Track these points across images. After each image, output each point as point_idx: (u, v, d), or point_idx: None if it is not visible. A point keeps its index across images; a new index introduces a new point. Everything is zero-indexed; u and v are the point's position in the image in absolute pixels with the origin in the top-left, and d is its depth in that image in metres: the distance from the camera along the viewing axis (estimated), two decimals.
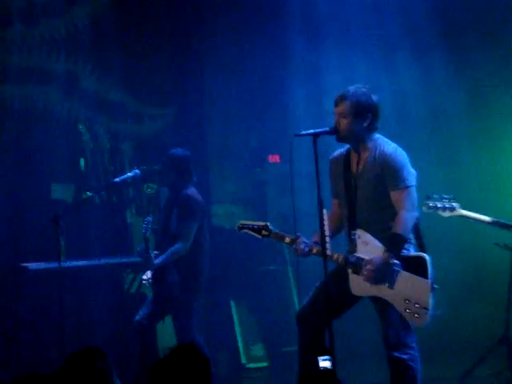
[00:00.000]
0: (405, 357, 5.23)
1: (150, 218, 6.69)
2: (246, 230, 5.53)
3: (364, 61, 8.47)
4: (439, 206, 6.33)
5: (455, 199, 6.41)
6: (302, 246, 5.31)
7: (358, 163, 5.37)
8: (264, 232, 5.48)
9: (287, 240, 5.41)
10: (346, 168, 5.43)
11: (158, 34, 8.60)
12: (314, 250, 5.28)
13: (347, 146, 5.48)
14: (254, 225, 5.52)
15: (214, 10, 8.67)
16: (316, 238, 5.29)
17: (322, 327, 5.22)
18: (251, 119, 8.89)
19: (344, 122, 5.29)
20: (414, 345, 5.27)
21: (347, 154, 5.46)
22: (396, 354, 5.24)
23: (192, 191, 6.83)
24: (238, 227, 5.55)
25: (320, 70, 8.62)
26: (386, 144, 5.34)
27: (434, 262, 5.20)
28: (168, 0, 8.62)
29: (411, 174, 5.29)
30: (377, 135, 5.37)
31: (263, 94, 8.82)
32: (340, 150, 5.53)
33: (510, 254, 6.79)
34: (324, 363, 4.60)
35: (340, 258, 5.27)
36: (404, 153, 5.33)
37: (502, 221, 6.48)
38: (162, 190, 7.80)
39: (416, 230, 5.33)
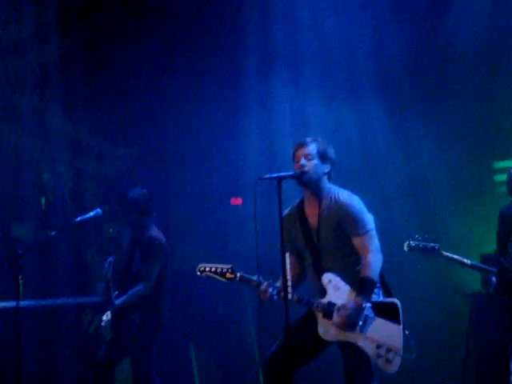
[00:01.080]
0: None
1: (111, 259, 6.65)
2: (208, 273, 5.46)
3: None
4: (421, 245, 6.42)
5: (435, 240, 6.52)
6: (270, 290, 5.29)
7: (313, 213, 5.42)
8: (229, 275, 5.43)
9: (253, 283, 5.37)
10: (302, 220, 5.46)
11: (125, 74, 8.62)
12: (295, 298, 5.27)
13: (297, 201, 5.53)
14: (217, 268, 5.47)
15: (175, 53, 8.75)
16: (280, 282, 5.28)
17: (289, 374, 5.17)
18: (214, 160, 8.92)
19: (311, 164, 5.35)
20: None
21: (300, 208, 5.50)
22: None
23: (155, 231, 6.82)
24: (200, 270, 5.47)
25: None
26: (339, 192, 5.42)
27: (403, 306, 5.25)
28: (135, 44, 8.66)
29: (369, 218, 5.35)
30: (330, 184, 5.46)
31: (227, 136, 8.86)
32: (289, 207, 5.55)
33: (469, 302, 6.88)
34: None
35: (320, 306, 5.27)
36: (358, 198, 5.41)
37: (481, 265, 6.60)
38: (124, 231, 7.76)
39: (381, 275, 5.37)
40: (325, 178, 5.42)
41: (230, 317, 8.60)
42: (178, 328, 7.99)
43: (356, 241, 5.30)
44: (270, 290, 5.28)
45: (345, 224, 5.30)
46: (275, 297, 5.27)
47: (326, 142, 5.47)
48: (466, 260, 6.60)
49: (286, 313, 4.99)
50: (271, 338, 5.50)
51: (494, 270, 6.55)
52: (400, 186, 8.38)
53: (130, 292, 6.64)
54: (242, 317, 8.58)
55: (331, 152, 5.44)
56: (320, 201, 5.40)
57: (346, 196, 5.38)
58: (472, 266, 6.56)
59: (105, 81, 8.59)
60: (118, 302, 6.58)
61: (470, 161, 8.23)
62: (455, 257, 6.62)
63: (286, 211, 5.52)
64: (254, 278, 5.39)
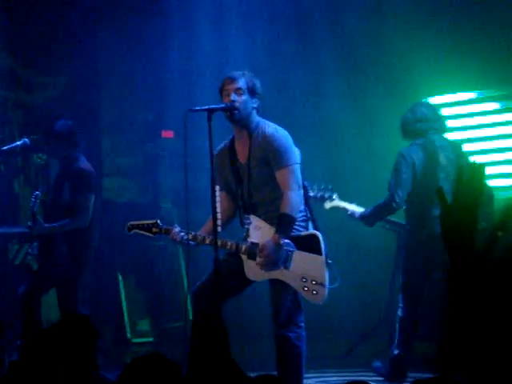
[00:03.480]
0: (292, 335, 5.31)
1: (38, 192, 6.57)
2: (136, 230, 5.52)
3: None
4: (318, 195, 6.39)
5: (332, 189, 6.47)
6: (181, 234, 5.34)
7: (241, 149, 5.41)
8: (154, 229, 5.49)
9: (173, 234, 5.41)
10: (232, 158, 5.45)
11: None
12: (207, 241, 5.29)
13: (228, 137, 5.50)
14: (143, 223, 5.50)
15: None
16: (207, 227, 5.31)
17: (216, 306, 5.22)
18: (146, 93, 8.81)
19: (240, 99, 5.30)
20: (302, 324, 5.35)
21: (231, 145, 5.48)
22: (284, 333, 5.31)
23: (84, 163, 6.73)
24: (128, 228, 5.55)
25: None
26: (266, 125, 5.37)
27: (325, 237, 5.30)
28: None
29: (294, 153, 5.33)
30: (257, 118, 5.42)
31: (159, 67, 8.75)
32: (221, 144, 5.52)
33: (396, 235, 6.92)
34: None
35: (233, 246, 5.31)
36: (286, 132, 5.38)
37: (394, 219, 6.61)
38: (52, 162, 7.64)
39: (309, 208, 5.40)
40: (254, 113, 5.37)
41: (161, 249, 8.60)
42: (107, 259, 7.97)
43: (278, 174, 5.28)
44: (181, 234, 5.34)
45: (270, 157, 5.29)
46: (186, 240, 5.31)
47: (253, 75, 5.40)
48: (361, 209, 6.52)
49: (216, 245, 5.05)
50: (200, 269, 5.56)
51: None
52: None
53: (65, 223, 6.55)
54: (173, 249, 8.59)
55: (259, 86, 5.38)
56: (249, 136, 5.37)
57: (272, 129, 5.35)
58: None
59: (28, 5, 8.35)
60: (47, 225, 6.50)
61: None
62: (350, 206, 6.50)
63: (217, 148, 5.48)
64: (177, 228, 5.41)
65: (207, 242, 5.28)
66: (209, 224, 5.23)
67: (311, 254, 5.27)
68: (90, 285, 7.33)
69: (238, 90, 5.31)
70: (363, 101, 8.20)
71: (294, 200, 5.26)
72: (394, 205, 6.27)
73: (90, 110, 8.53)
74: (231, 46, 8.52)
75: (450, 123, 8.13)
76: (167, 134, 8.83)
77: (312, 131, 8.25)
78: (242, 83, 5.31)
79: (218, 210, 5.06)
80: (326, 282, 5.25)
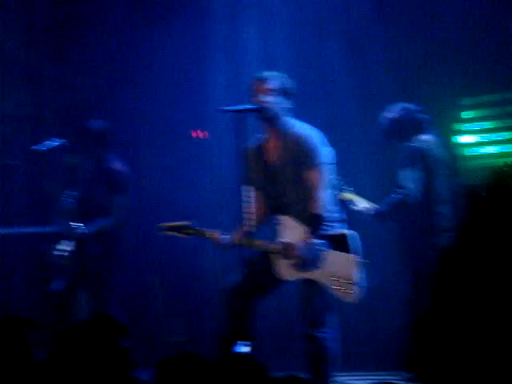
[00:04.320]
0: (319, 335, 5.30)
1: (71, 193, 6.64)
2: (168, 232, 5.53)
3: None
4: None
5: (347, 182, 6.40)
6: (223, 237, 5.38)
7: (272, 148, 5.40)
8: (189, 230, 5.51)
9: (207, 235, 5.47)
10: (263, 157, 5.45)
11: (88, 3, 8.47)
12: (236, 241, 5.32)
13: (258, 136, 5.50)
14: (176, 226, 5.52)
15: None
16: (238, 231, 5.35)
17: (249, 308, 5.32)
18: (179, 93, 8.83)
19: (271, 100, 5.30)
20: (331, 324, 5.34)
21: (260, 143, 5.48)
22: (310, 332, 5.31)
23: (119, 164, 6.79)
24: (160, 229, 5.57)
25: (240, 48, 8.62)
26: (297, 126, 5.39)
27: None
28: None
29: (324, 152, 5.33)
30: (290, 119, 5.42)
31: (193, 68, 8.77)
32: (252, 142, 5.51)
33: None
34: (244, 348, 4.68)
35: (265, 245, 5.32)
36: (315, 131, 5.39)
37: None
38: (86, 163, 7.68)
39: (340, 205, 5.41)
40: (285, 113, 5.38)
41: (195, 249, 8.62)
42: (142, 261, 8.01)
43: (307, 174, 5.30)
44: (223, 237, 5.39)
45: (299, 158, 5.29)
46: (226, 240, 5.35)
47: (286, 76, 5.42)
48: (367, 204, 6.48)
49: (248, 244, 5.08)
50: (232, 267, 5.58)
51: None
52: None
53: (100, 223, 6.61)
54: (204, 248, 8.60)
55: (291, 87, 5.39)
56: (280, 136, 5.37)
57: (303, 129, 5.36)
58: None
59: (68, 10, 8.43)
60: (85, 230, 6.55)
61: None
62: (360, 200, 6.47)
63: (247, 145, 5.49)
64: (211, 230, 5.46)
65: (243, 243, 5.29)
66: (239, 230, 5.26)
67: (342, 253, 5.28)
68: (125, 283, 7.38)
69: (268, 91, 5.31)
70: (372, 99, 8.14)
71: (323, 199, 5.26)
72: (413, 201, 6.22)
73: (122, 110, 8.56)
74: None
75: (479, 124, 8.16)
76: (199, 134, 8.83)
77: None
78: (272, 84, 5.32)
79: (251, 209, 5.07)
80: (357, 281, 5.23)
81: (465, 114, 8.28)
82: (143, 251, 8.08)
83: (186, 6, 8.63)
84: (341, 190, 6.36)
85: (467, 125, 8.25)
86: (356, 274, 5.24)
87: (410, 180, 6.21)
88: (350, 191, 6.38)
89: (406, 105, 6.54)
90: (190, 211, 8.16)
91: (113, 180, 6.70)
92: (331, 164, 5.36)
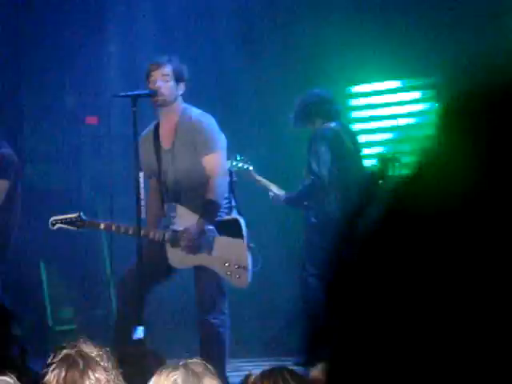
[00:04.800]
0: (215, 321, 5.32)
1: None
2: (59, 225, 5.48)
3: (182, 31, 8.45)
4: (237, 167, 6.31)
5: (249, 162, 6.42)
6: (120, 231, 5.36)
7: (166, 134, 5.37)
8: (78, 223, 5.45)
9: (102, 226, 5.44)
10: (156, 143, 5.42)
11: None
12: (130, 231, 5.26)
13: (153, 122, 5.47)
14: (66, 218, 5.45)
15: None
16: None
17: (140, 295, 5.23)
18: (71, 77, 8.68)
19: (166, 85, 5.27)
20: (226, 311, 5.37)
21: (155, 131, 5.45)
22: (208, 318, 5.32)
23: (5, 150, 6.62)
24: (52, 223, 5.50)
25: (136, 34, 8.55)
26: (193, 111, 5.38)
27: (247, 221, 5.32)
28: None
29: (220, 139, 5.34)
30: (183, 103, 5.41)
31: (82, 53, 8.63)
32: (145, 130, 5.49)
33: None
34: (138, 334, 4.67)
35: (157, 235, 5.29)
36: (212, 117, 5.39)
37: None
38: None
39: (233, 191, 5.41)
40: (180, 99, 5.37)
41: (84, 235, 8.50)
42: (29, 246, 7.86)
43: (204, 160, 5.27)
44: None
45: (196, 143, 5.28)
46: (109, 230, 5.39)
47: (180, 60, 5.39)
48: (276, 188, 6.56)
49: (139, 233, 5.04)
50: (125, 255, 5.54)
51: None
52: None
53: None
54: (96, 235, 8.50)
55: (186, 72, 5.37)
56: (175, 121, 5.35)
57: (199, 114, 5.36)
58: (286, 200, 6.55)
59: None
60: None
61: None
62: (266, 182, 6.57)
63: (141, 134, 5.45)
64: (101, 221, 5.43)
65: (130, 232, 5.25)
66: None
67: (233, 239, 5.30)
68: (13, 273, 7.22)
69: (164, 76, 5.28)
70: (281, 88, 8.19)
71: (220, 186, 5.27)
72: (320, 187, 6.34)
73: (10, 94, 8.36)
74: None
75: (369, 112, 8.34)
76: (91, 120, 8.72)
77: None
78: (168, 69, 5.29)
79: (142, 197, 5.04)
80: (249, 266, 5.28)
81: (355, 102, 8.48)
82: (33, 239, 7.91)
83: None
84: (247, 170, 6.41)
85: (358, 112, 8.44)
86: (248, 259, 5.28)
87: (319, 164, 6.32)
88: (253, 171, 6.44)
89: (318, 91, 6.63)
90: (84, 201, 8.09)
91: None
92: (226, 150, 5.36)
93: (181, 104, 5.37)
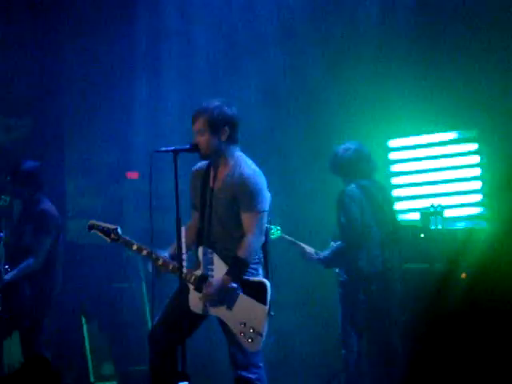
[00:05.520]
0: (252, 376, 5.22)
1: (2, 234, 6.54)
2: (95, 231, 5.43)
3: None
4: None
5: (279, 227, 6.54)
6: (160, 262, 5.25)
7: (215, 179, 5.34)
8: (113, 236, 5.39)
9: (135, 247, 5.33)
10: (204, 182, 5.38)
11: (17, 42, 8.40)
12: (160, 262, 5.24)
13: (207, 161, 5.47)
14: (104, 227, 5.42)
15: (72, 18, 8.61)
16: (171, 251, 5.29)
17: (172, 346, 5.17)
18: (111, 134, 8.81)
19: (202, 140, 5.25)
20: (261, 364, 5.26)
21: (208, 168, 5.41)
22: (243, 374, 5.22)
23: (47, 205, 6.72)
24: (89, 226, 5.46)
25: (190, 89, 8.67)
26: (245, 165, 5.29)
27: (274, 288, 5.22)
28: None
29: (265, 200, 5.26)
30: (239, 153, 5.33)
31: (123, 109, 8.77)
32: (203, 162, 5.45)
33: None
34: None
35: (192, 278, 5.25)
36: (262, 176, 5.30)
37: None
38: (16, 203, 7.59)
39: (265, 254, 5.33)
40: (225, 146, 5.28)
41: (125, 291, 8.54)
42: (71, 302, 7.89)
43: (244, 217, 5.22)
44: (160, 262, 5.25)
45: (240, 197, 5.25)
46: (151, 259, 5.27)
47: (215, 105, 5.26)
48: (307, 247, 6.61)
49: (181, 285, 5.01)
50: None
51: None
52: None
53: (21, 266, 6.54)
54: (137, 291, 8.53)
55: (222, 116, 5.24)
56: (225, 168, 5.33)
57: (250, 170, 5.26)
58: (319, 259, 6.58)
59: None
60: (7, 276, 6.47)
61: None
62: (295, 241, 6.62)
63: (197, 165, 5.46)
64: (137, 242, 5.34)
65: (160, 263, 5.23)
66: (175, 246, 5.15)
67: (255, 302, 5.19)
68: (53, 328, 7.25)
69: (199, 132, 5.27)
70: (318, 140, 8.24)
71: (253, 246, 5.20)
72: (351, 248, 6.38)
73: (54, 151, 8.50)
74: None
75: (410, 166, 8.34)
76: (132, 175, 8.81)
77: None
78: (200, 124, 5.24)
79: (184, 250, 5.03)
80: (264, 333, 5.18)
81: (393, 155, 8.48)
82: (75, 294, 7.96)
83: (137, 52, 8.69)
84: (275, 231, 6.46)
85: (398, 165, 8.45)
86: (264, 326, 5.19)
87: (349, 222, 6.35)
88: (282, 232, 6.50)
89: (356, 145, 6.62)
90: (126, 255, 8.13)
91: (38, 220, 6.62)
92: (269, 211, 5.32)
93: (230, 150, 5.29)
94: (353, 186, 6.48)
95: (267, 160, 8.06)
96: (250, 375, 5.22)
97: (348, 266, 6.44)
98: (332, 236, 6.65)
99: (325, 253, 6.56)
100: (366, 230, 6.40)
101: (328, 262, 6.54)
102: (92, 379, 8.16)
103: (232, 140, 5.30)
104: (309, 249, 6.65)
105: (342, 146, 6.61)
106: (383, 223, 6.49)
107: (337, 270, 6.64)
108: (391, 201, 6.68)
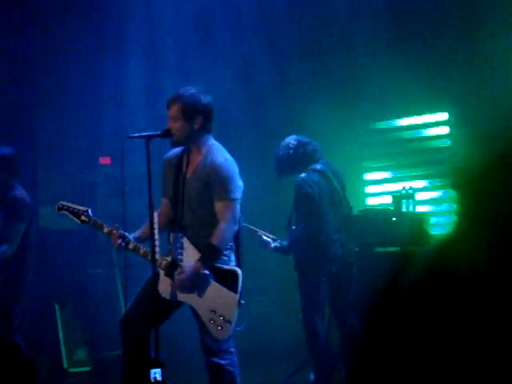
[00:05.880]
0: (223, 362, 5.22)
1: None
2: (64, 211, 5.37)
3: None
4: None
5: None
6: (119, 241, 5.21)
7: (188, 166, 5.33)
8: (83, 218, 5.35)
9: (105, 230, 5.29)
10: (177, 169, 5.36)
11: None
12: (131, 246, 5.21)
13: (181, 148, 5.44)
14: (74, 208, 5.38)
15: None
16: (138, 233, 5.27)
17: (144, 333, 5.16)
18: (83, 119, 8.76)
19: (175, 126, 5.20)
20: (232, 350, 5.25)
21: (181, 155, 5.39)
22: (214, 360, 5.21)
23: (20, 192, 6.66)
24: (58, 207, 5.39)
25: (157, 73, 8.64)
26: (218, 153, 5.26)
27: (245, 276, 5.20)
28: None
29: (238, 187, 5.25)
30: (212, 141, 5.30)
31: (96, 94, 8.72)
32: (176, 149, 5.41)
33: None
34: (155, 375, 4.61)
35: (163, 263, 5.24)
36: (235, 164, 5.28)
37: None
38: None
39: (237, 242, 5.32)
40: (197, 134, 5.24)
41: (98, 277, 8.52)
42: (43, 289, 7.86)
43: (217, 205, 5.20)
44: (119, 240, 5.20)
45: (212, 185, 5.22)
46: (123, 244, 5.20)
47: (190, 93, 5.22)
48: (266, 236, 6.62)
49: (154, 271, 5.00)
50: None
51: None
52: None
53: None
54: (110, 277, 8.52)
55: (197, 104, 5.20)
56: (197, 156, 5.31)
57: (222, 158, 5.24)
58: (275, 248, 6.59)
59: None
60: None
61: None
62: (254, 228, 6.62)
63: (168, 153, 5.43)
64: (107, 225, 5.30)
65: (130, 246, 5.21)
66: (145, 229, 5.14)
67: (226, 290, 5.17)
68: (26, 314, 7.21)
69: (172, 118, 5.24)
70: (296, 125, 8.24)
71: (226, 233, 5.19)
72: (311, 235, 6.40)
73: (25, 136, 8.43)
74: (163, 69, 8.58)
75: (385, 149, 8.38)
76: (104, 160, 8.77)
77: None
78: (174, 110, 5.20)
79: (156, 236, 5.01)
80: (233, 321, 5.18)
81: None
82: (47, 281, 7.93)
83: (104, 36, 8.63)
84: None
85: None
86: (235, 314, 5.17)
87: (307, 213, 6.38)
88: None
89: (296, 138, 6.63)
90: (99, 241, 8.10)
91: (10, 207, 6.57)
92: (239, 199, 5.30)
93: (203, 138, 5.26)
94: (309, 170, 6.50)
95: (240, 144, 8.13)
96: (220, 361, 5.21)
97: (309, 251, 6.44)
98: (287, 224, 6.64)
99: (283, 242, 6.57)
100: (324, 214, 6.43)
101: (286, 250, 6.54)
102: (65, 365, 8.15)
103: (205, 129, 5.27)
104: (267, 237, 6.62)
105: (280, 148, 6.62)
106: (339, 206, 6.54)
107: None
108: (344, 183, 6.69)
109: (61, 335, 8.23)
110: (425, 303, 1.21)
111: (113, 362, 7.84)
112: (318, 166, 6.52)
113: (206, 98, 5.27)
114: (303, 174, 6.46)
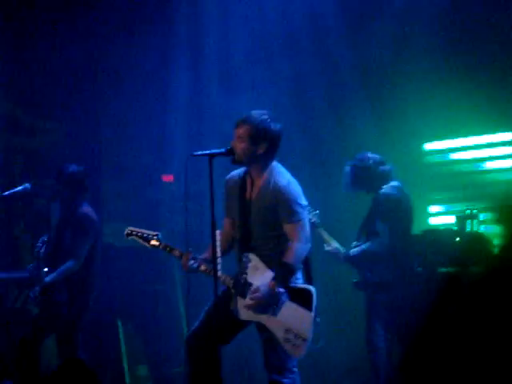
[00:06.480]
0: (286, 381, 5.22)
1: (45, 238, 6.62)
2: (134, 237, 5.44)
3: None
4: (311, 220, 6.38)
5: (318, 214, 6.50)
6: (191, 262, 5.25)
7: (252, 188, 5.35)
8: (153, 242, 5.40)
9: (177, 253, 5.34)
10: (241, 191, 5.39)
11: (54, 47, 8.48)
12: (202, 267, 5.24)
13: (243, 169, 5.46)
14: (143, 233, 5.43)
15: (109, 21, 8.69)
16: (206, 255, 5.28)
17: (211, 352, 5.18)
18: (146, 136, 8.87)
19: (240, 146, 5.25)
20: (295, 369, 5.26)
21: (244, 177, 5.42)
22: (277, 378, 5.22)
23: (88, 209, 6.77)
24: (127, 233, 5.45)
25: (229, 95, 8.71)
26: (280, 175, 5.29)
27: (319, 294, 5.22)
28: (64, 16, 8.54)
29: (303, 207, 5.27)
30: (274, 163, 5.33)
31: (158, 113, 8.82)
32: (238, 170, 5.47)
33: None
34: None
35: (228, 280, 5.26)
36: (297, 185, 5.31)
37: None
38: (53, 207, 7.66)
39: (306, 261, 5.33)
40: (260, 159, 5.28)
41: (160, 293, 8.59)
42: (106, 304, 7.95)
43: (286, 227, 5.23)
44: (191, 262, 5.24)
45: (279, 208, 5.22)
46: (194, 265, 5.24)
47: (263, 118, 5.27)
48: (336, 245, 6.60)
49: (215, 289, 5.02)
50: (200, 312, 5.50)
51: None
52: None
53: (60, 269, 6.59)
54: (172, 294, 8.57)
55: (266, 131, 5.23)
56: (260, 178, 5.33)
57: (285, 181, 5.27)
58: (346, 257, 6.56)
59: (33, 54, 8.44)
60: (47, 278, 6.53)
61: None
62: (327, 238, 6.60)
63: (232, 173, 5.47)
64: (178, 248, 5.35)
65: (202, 268, 5.23)
66: (210, 251, 5.15)
67: (301, 308, 5.19)
68: (89, 330, 7.31)
69: (238, 137, 5.27)
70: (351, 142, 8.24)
71: (300, 252, 5.22)
72: (385, 250, 6.36)
73: (90, 154, 8.56)
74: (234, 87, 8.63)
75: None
76: (167, 178, 8.86)
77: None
78: (242, 131, 5.25)
79: (219, 254, 5.03)
80: (309, 339, 5.16)
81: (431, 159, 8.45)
82: (111, 297, 8.02)
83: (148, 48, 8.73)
84: (315, 224, 6.45)
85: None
86: (310, 332, 5.16)
87: (384, 229, 6.34)
88: (320, 226, 6.51)
89: (370, 155, 6.64)
90: (162, 258, 8.17)
91: (78, 224, 6.68)
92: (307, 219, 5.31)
93: (265, 162, 5.29)
94: (388, 187, 6.48)
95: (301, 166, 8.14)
96: (283, 380, 5.23)
97: (397, 268, 6.40)
98: (357, 236, 6.62)
99: (353, 251, 6.52)
100: (407, 232, 6.42)
101: (357, 259, 6.50)
102: (127, 381, 8.22)
103: (269, 155, 5.30)
104: (338, 246, 6.62)
105: (356, 161, 6.62)
106: (413, 225, 6.53)
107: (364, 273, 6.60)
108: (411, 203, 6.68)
109: (123, 351, 8.30)
110: (486, 323, 1.20)
111: (173, 379, 7.89)
112: (396, 183, 6.52)
113: (275, 126, 5.30)
114: (386, 189, 6.46)
